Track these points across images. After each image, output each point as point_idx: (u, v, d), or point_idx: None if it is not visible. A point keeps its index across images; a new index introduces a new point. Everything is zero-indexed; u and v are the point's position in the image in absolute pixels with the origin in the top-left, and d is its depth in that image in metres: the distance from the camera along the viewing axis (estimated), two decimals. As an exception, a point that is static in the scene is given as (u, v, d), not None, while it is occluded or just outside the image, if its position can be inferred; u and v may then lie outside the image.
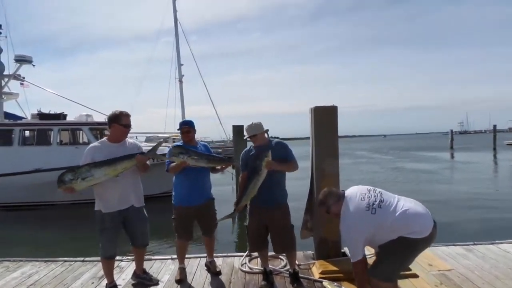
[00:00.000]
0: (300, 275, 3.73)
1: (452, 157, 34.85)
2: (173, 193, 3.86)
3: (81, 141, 14.11)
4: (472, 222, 8.99)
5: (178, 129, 3.92)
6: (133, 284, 3.77)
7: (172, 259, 4.38)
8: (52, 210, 12.67)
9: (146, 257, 4.16)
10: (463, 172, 21.21)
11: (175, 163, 3.56)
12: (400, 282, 3.44)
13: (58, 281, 3.92)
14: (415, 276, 3.63)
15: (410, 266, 3.76)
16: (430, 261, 4.03)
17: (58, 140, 13.71)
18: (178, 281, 3.76)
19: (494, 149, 37.94)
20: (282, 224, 3.56)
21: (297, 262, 4.04)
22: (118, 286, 3.62)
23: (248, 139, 3.69)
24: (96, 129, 14.22)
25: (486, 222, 8.85)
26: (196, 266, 4.19)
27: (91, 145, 3.55)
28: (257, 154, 3.46)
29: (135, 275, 3.84)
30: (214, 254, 4.23)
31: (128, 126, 3.48)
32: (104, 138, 3.59)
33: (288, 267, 3.86)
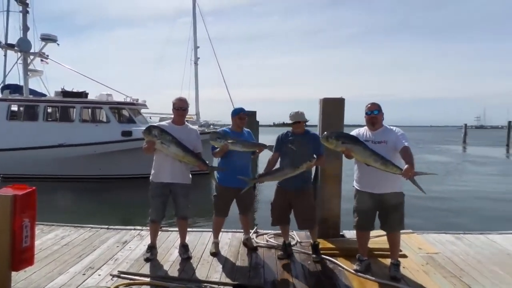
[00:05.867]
0: (301, 250, 4.19)
1: (464, 151, 34.66)
2: (217, 174, 4.21)
3: (100, 119, 14.76)
4: (468, 214, 9.32)
5: (234, 115, 4.18)
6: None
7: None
8: (75, 183, 13.49)
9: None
10: (471, 166, 21.28)
11: (218, 149, 3.96)
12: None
13: (88, 243, 4.45)
14: (404, 256, 4.02)
15: (401, 247, 4.19)
16: (420, 245, 4.44)
17: (80, 118, 14.40)
18: (213, 254, 4.10)
19: (507, 145, 37.48)
20: (306, 204, 3.97)
21: (299, 239, 4.52)
22: (155, 248, 4.07)
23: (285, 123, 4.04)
24: (115, 108, 14.84)
25: (482, 215, 9.16)
26: (197, 240, 4.58)
27: (159, 123, 4.06)
28: (301, 155, 3.79)
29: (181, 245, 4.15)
30: (224, 230, 4.66)
31: (180, 108, 3.94)
32: (169, 120, 4.09)
33: (293, 243, 4.32)
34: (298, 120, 3.92)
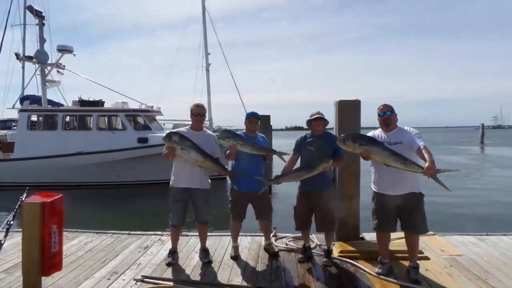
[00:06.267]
0: (321, 253, 4.17)
1: (482, 151, 33.94)
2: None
3: (116, 127, 15.03)
4: (489, 215, 9.13)
5: (245, 119, 4.18)
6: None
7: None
8: (93, 190, 13.76)
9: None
10: (491, 167, 20.82)
11: (229, 151, 3.96)
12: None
13: (110, 249, 4.54)
14: (426, 258, 3.98)
15: (422, 250, 4.14)
16: (443, 247, 4.37)
17: (97, 126, 14.71)
18: (233, 258, 4.14)
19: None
20: (326, 207, 3.96)
21: (318, 242, 4.51)
22: (177, 253, 4.13)
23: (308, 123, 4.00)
24: (131, 115, 15.09)
25: (504, 216, 8.97)
26: (217, 244, 4.62)
27: (178, 129, 4.11)
28: (319, 156, 3.79)
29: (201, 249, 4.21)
30: (243, 234, 4.70)
31: (198, 114, 4.02)
32: (188, 126, 4.15)
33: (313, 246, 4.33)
34: (320, 116, 3.93)
